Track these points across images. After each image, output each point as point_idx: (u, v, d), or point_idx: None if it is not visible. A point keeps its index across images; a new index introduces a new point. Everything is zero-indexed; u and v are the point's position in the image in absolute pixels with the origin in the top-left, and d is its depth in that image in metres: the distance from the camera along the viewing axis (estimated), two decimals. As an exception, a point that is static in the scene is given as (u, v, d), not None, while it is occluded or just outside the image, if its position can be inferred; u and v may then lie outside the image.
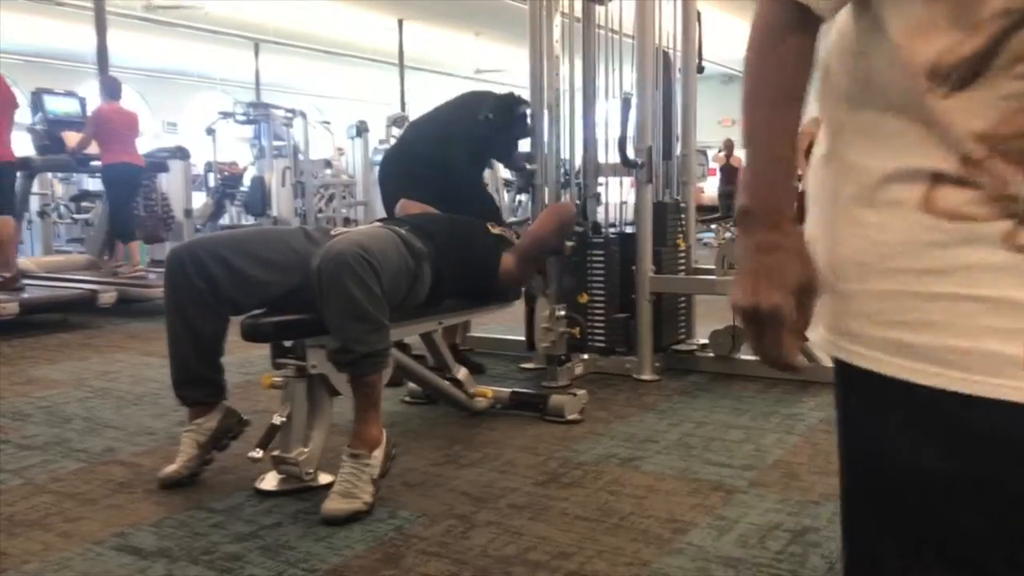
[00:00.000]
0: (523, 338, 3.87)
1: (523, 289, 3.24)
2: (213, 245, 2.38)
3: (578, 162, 4.01)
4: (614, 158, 3.79)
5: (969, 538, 0.68)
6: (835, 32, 0.79)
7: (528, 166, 3.90)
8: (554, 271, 3.76)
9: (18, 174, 6.26)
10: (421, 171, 3.46)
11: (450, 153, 3.49)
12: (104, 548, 1.96)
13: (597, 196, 3.98)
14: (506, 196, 9.94)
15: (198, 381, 2.40)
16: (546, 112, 3.81)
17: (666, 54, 3.99)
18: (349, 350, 2.17)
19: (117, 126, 6.54)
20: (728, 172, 13.39)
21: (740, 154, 14.18)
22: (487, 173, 8.50)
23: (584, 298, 3.79)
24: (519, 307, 3.30)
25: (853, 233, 0.74)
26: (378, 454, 2.22)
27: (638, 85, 3.73)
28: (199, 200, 10.32)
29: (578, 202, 3.93)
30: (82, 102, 7.20)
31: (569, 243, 3.32)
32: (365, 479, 2.16)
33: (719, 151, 13.41)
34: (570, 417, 2.97)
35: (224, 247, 2.37)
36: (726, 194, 13.25)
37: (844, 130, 0.77)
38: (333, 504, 2.11)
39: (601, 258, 3.79)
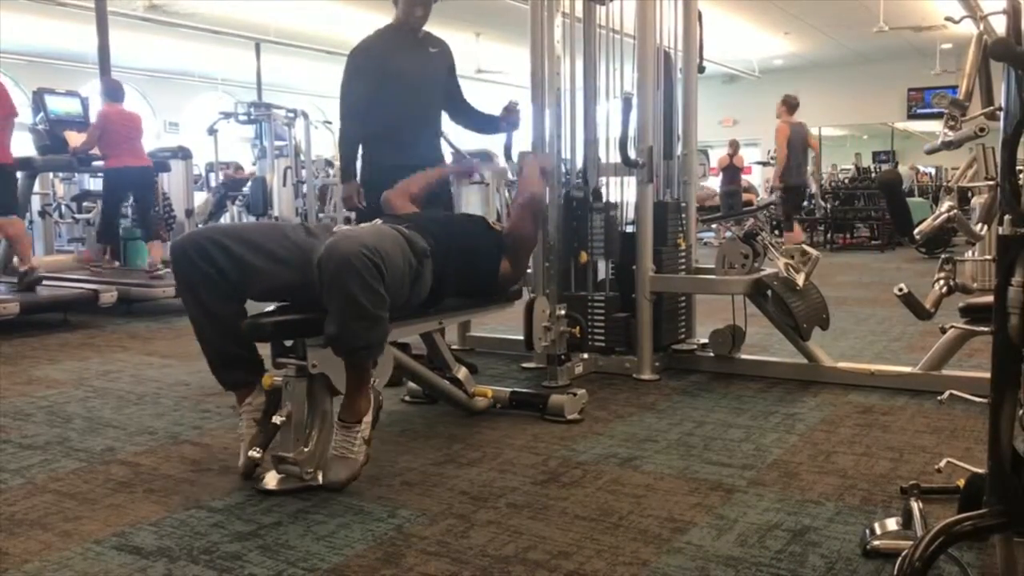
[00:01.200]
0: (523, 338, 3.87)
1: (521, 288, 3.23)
2: (214, 233, 2.42)
3: (579, 162, 4.01)
4: (615, 158, 3.79)
5: None
6: None
7: None
8: (557, 271, 3.77)
9: (19, 174, 6.28)
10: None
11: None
12: (104, 547, 1.97)
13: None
14: (507, 195, 9.94)
15: (232, 361, 2.42)
16: (547, 112, 3.81)
17: (667, 54, 3.99)
18: (344, 340, 2.22)
19: (121, 128, 6.55)
20: (731, 171, 13.38)
21: (743, 154, 14.22)
22: (488, 174, 8.52)
23: (584, 258, 3.78)
24: (520, 307, 3.30)
25: None
26: (367, 419, 2.30)
27: (639, 85, 3.74)
28: (200, 198, 10.34)
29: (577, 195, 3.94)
30: (84, 102, 7.21)
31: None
32: (358, 442, 2.26)
33: (729, 151, 13.42)
34: (570, 417, 2.97)
35: (225, 235, 2.39)
36: (729, 193, 13.23)
37: None
38: (332, 472, 2.21)
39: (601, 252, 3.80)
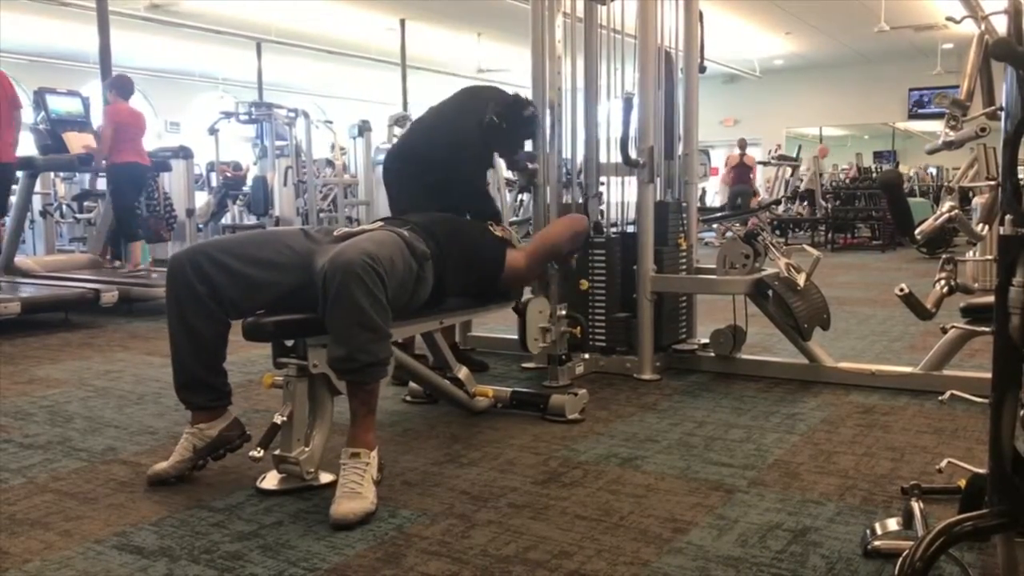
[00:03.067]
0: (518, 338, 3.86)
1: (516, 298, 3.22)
2: (214, 249, 2.38)
3: (580, 161, 4.01)
4: (616, 158, 3.79)
5: None
6: None
7: (530, 165, 3.90)
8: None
9: (19, 174, 6.29)
10: (426, 174, 3.40)
11: (456, 158, 3.41)
12: (105, 547, 1.97)
13: (599, 195, 3.98)
14: (508, 196, 9.95)
15: (199, 385, 2.41)
16: (548, 112, 3.81)
17: (668, 54, 3.99)
18: (352, 359, 2.17)
19: (128, 126, 6.58)
20: (741, 170, 13.31)
21: (752, 152, 14.20)
22: (488, 172, 8.51)
23: (585, 285, 3.78)
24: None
25: None
26: (375, 455, 2.22)
27: (640, 85, 3.74)
28: (201, 199, 10.35)
29: (580, 201, 3.94)
30: (85, 101, 7.21)
31: (574, 255, 3.34)
32: (368, 479, 2.16)
33: (739, 151, 13.39)
34: (571, 416, 2.97)
35: (224, 251, 2.37)
36: (739, 193, 13.18)
37: None
38: (343, 507, 2.07)
39: (602, 257, 3.79)
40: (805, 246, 3.76)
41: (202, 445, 2.40)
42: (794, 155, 14.43)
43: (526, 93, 3.89)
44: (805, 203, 13.03)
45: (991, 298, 1.45)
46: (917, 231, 2.14)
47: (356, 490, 2.12)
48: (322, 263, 2.23)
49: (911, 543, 1.46)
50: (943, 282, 2.22)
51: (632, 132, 3.66)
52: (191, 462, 2.39)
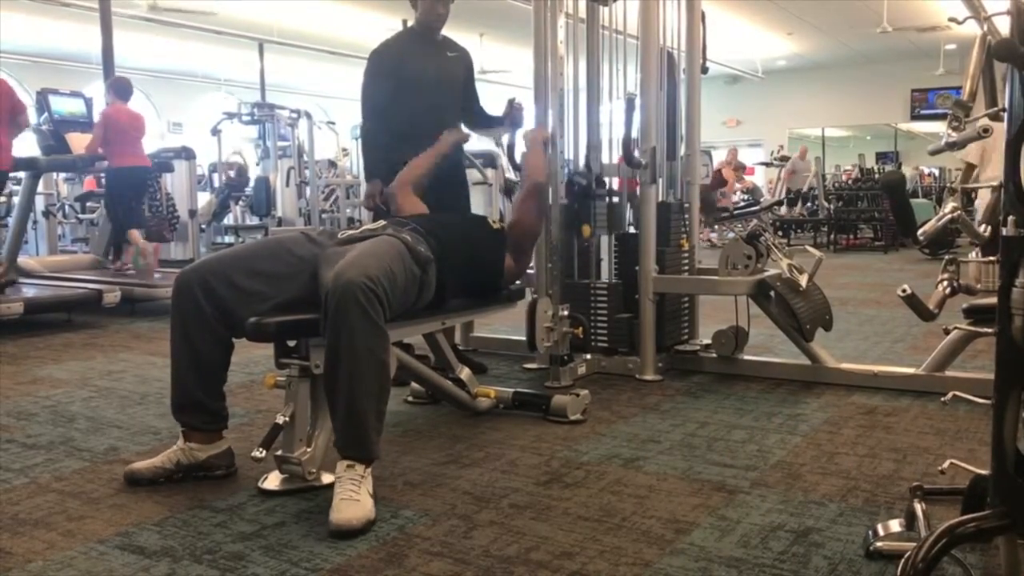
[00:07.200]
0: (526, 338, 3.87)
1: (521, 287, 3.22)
2: (220, 267, 2.37)
3: (582, 162, 4.01)
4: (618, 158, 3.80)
5: None
6: None
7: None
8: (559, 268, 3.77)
9: (23, 175, 6.30)
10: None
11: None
12: (107, 547, 1.97)
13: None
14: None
15: (196, 407, 2.40)
16: (551, 112, 3.81)
17: (670, 54, 3.99)
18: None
19: (125, 128, 6.57)
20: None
21: (745, 155, 14.21)
22: (490, 174, 8.52)
23: (587, 231, 3.81)
24: (522, 307, 3.30)
25: None
26: (369, 472, 2.18)
27: (642, 85, 3.74)
28: (203, 200, 10.35)
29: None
30: (88, 102, 7.22)
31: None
32: (364, 490, 2.12)
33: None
34: (573, 417, 2.97)
35: (230, 268, 2.37)
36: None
37: None
38: (344, 514, 2.02)
39: (604, 210, 3.84)
40: (807, 247, 3.76)
41: (187, 463, 2.40)
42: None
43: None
44: (808, 204, 13.02)
45: (994, 299, 1.45)
46: (919, 232, 2.14)
47: (355, 497, 2.07)
48: (326, 276, 2.22)
49: (914, 544, 1.46)
50: (945, 283, 2.22)
51: (634, 133, 3.66)
52: (169, 473, 2.39)
